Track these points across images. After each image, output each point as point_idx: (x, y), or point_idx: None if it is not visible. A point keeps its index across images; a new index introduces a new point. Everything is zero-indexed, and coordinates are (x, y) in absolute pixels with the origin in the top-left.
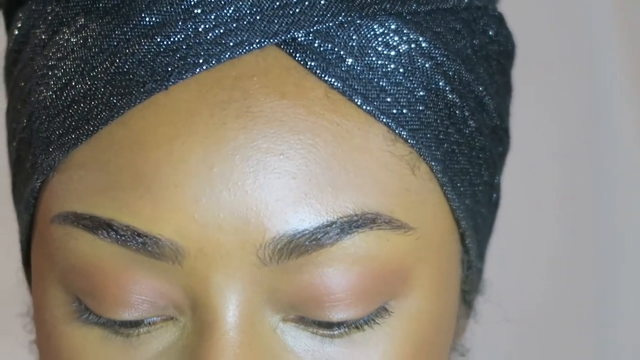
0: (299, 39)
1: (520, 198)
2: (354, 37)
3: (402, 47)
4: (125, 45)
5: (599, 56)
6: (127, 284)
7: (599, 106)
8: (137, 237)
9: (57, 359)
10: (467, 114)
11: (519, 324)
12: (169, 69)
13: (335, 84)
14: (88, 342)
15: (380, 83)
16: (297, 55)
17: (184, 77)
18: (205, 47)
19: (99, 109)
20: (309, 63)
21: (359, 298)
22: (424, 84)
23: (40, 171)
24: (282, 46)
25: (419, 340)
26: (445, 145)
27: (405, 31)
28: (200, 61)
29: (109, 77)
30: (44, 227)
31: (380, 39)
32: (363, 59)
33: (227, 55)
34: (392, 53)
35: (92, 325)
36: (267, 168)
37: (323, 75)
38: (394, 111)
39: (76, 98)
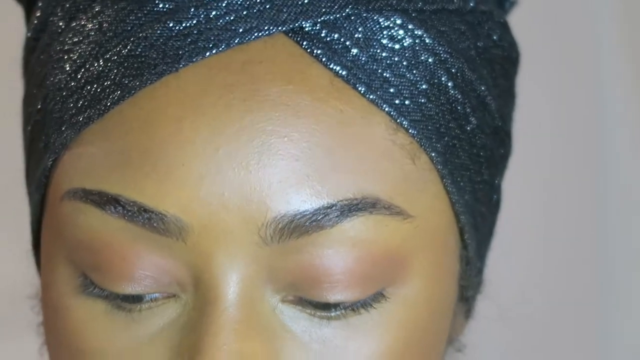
0: (307, 28)
1: (521, 198)
2: (359, 28)
3: (406, 41)
4: (139, 30)
5: (599, 56)
6: (132, 258)
7: (599, 106)
8: (143, 213)
9: (63, 333)
10: (468, 110)
11: (518, 323)
12: (180, 52)
13: (341, 72)
14: (92, 315)
15: (384, 74)
16: (304, 43)
17: (194, 60)
18: (216, 33)
19: (111, 89)
20: (315, 51)
21: (356, 281)
22: (427, 77)
23: (52, 150)
24: (289, 34)
25: (413, 327)
26: (446, 139)
27: (410, 26)
28: (210, 45)
29: (121, 60)
30: (54, 206)
31: (385, 32)
32: (368, 50)
33: (236, 41)
34: (397, 46)
35: (96, 298)
36: (271, 150)
37: (328, 64)
38: (397, 101)
39: (90, 79)
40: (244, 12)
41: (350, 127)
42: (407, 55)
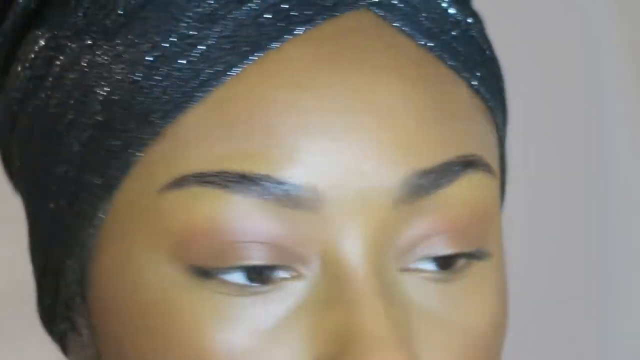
0: (385, 2)
1: (521, 198)
2: (430, 2)
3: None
4: (232, 12)
5: (598, 56)
6: (260, 236)
7: (599, 105)
8: (278, 186)
9: (176, 337)
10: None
11: (518, 322)
12: (280, 27)
13: (420, 41)
14: (213, 309)
15: (453, 44)
16: (387, 15)
17: (295, 33)
18: (309, 7)
19: (211, 69)
20: (396, 22)
21: (470, 239)
22: (483, 48)
23: (137, 143)
24: (371, 7)
25: (504, 289)
26: (504, 108)
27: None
28: (307, 19)
29: (223, 39)
30: (142, 204)
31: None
32: (437, 23)
33: (326, 15)
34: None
35: (214, 289)
36: (393, 112)
37: (411, 33)
38: (470, 66)
39: (180, 66)
40: None
41: (448, 90)
42: (466, 29)
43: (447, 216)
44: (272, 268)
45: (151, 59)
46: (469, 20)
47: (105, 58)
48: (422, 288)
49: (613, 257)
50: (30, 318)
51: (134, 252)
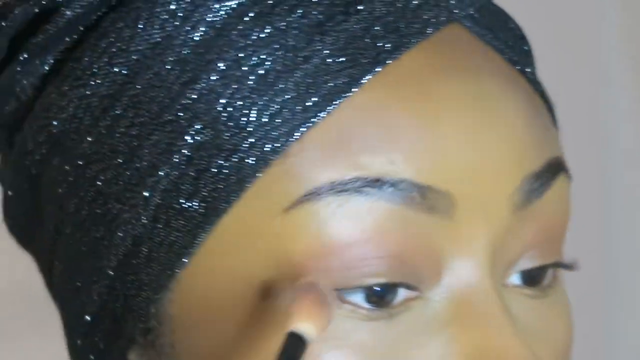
0: (472, 16)
1: None
2: (499, 14)
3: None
4: (351, 22)
5: (600, 54)
6: (385, 250)
7: (602, 103)
8: (415, 189)
9: None
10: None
11: None
12: (396, 39)
13: (505, 51)
14: (334, 331)
15: (527, 56)
16: (475, 28)
17: (415, 41)
18: (417, 19)
19: (332, 82)
20: (484, 36)
21: (557, 250)
22: (529, 60)
23: (261, 160)
24: (463, 20)
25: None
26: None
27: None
28: (419, 31)
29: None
30: (262, 226)
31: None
32: (502, 32)
33: (432, 28)
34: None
35: (336, 310)
36: (508, 117)
37: (495, 44)
38: (528, 70)
39: (296, 80)
40: (433, 1)
41: (532, 96)
42: (515, 33)
43: (545, 224)
44: (393, 287)
45: (262, 72)
46: (523, 34)
47: (214, 76)
48: (518, 304)
49: (617, 257)
50: (30, 318)
51: (239, 273)
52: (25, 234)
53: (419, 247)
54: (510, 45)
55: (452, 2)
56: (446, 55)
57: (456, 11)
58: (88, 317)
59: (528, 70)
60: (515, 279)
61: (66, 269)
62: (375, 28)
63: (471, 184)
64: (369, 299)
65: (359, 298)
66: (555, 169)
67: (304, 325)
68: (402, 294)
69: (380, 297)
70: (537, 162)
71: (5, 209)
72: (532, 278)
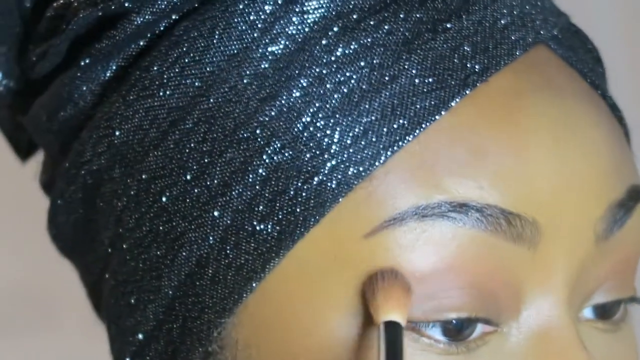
0: (557, 37)
1: None
2: (579, 35)
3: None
4: (433, 44)
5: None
6: (472, 277)
7: None
8: (501, 216)
9: None
10: None
11: None
12: (485, 60)
13: (583, 70)
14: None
15: (604, 78)
16: (559, 50)
17: (508, 61)
18: (507, 40)
19: (420, 104)
20: (568, 57)
21: (631, 284)
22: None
23: (343, 185)
24: (549, 42)
25: None
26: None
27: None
28: (509, 52)
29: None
30: (341, 251)
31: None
32: (581, 53)
33: (522, 50)
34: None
35: (413, 342)
36: (595, 142)
37: (577, 66)
38: (607, 95)
39: (382, 101)
40: (520, 22)
41: (613, 120)
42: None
43: (624, 256)
44: (471, 322)
45: (346, 90)
46: (599, 56)
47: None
48: (591, 338)
49: None
50: (30, 318)
51: (317, 300)
52: (71, 245)
53: (500, 277)
54: (591, 67)
55: (537, 22)
56: (533, 77)
57: (542, 32)
58: (141, 336)
59: (608, 94)
60: (588, 312)
61: (119, 284)
62: (464, 48)
63: (557, 211)
64: (446, 333)
65: (436, 331)
66: (636, 196)
67: (394, 315)
68: (480, 328)
69: (458, 330)
70: (620, 189)
71: (50, 217)
72: (605, 312)
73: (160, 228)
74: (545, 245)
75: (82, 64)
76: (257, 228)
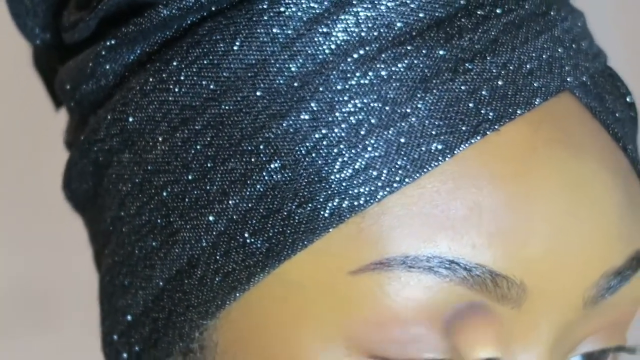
0: (584, 85)
1: None
2: (607, 84)
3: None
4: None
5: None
6: (455, 332)
7: None
8: (489, 277)
9: None
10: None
11: None
12: (500, 108)
13: (608, 122)
14: None
15: (632, 130)
16: (585, 98)
17: (514, 117)
18: (528, 87)
19: (425, 147)
20: (591, 104)
21: (622, 335)
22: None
23: (335, 216)
24: (575, 90)
25: None
26: None
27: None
28: (527, 102)
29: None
30: (325, 282)
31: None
32: (607, 103)
33: (541, 99)
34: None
35: None
36: (601, 206)
37: (603, 117)
38: (629, 147)
39: (388, 138)
40: (547, 67)
41: (631, 180)
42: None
43: (614, 319)
44: None
45: (354, 121)
46: (633, 100)
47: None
48: None
49: None
50: (30, 318)
51: (293, 323)
52: (82, 208)
53: (484, 336)
54: (618, 117)
55: (566, 68)
56: (549, 129)
57: (569, 79)
58: (129, 317)
59: (630, 147)
60: (576, 359)
61: (116, 264)
62: (482, 92)
63: (547, 274)
64: None
65: None
66: (636, 264)
67: (490, 350)
68: None
69: None
70: (620, 255)
71: (65, 182)
72: (594, 359)
73: (158, 221)
74: (530, 304)
75: (108, 44)
76: (248, 241)
